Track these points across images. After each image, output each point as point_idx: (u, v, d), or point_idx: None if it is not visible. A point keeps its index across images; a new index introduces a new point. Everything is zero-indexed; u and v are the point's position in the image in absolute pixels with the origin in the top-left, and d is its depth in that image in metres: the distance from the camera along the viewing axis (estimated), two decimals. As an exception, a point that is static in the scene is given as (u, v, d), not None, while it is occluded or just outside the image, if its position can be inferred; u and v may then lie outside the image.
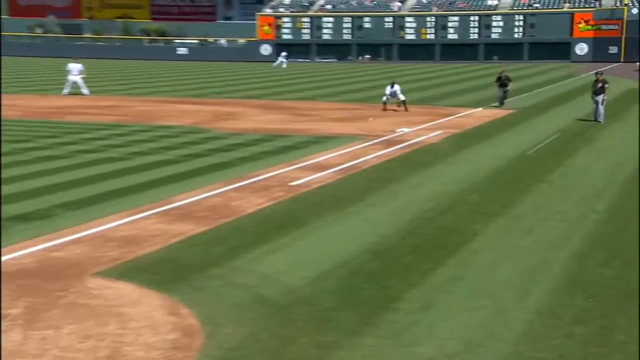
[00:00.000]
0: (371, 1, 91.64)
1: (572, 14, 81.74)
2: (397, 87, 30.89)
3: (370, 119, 28.00)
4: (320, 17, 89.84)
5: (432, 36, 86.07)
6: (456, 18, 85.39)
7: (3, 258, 10.04)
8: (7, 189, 14.44)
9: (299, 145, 21.39)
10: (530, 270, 9.89)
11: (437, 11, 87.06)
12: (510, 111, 30.86)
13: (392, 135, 23.48)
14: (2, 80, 40.56)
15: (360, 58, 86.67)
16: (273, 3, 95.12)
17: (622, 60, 75.07)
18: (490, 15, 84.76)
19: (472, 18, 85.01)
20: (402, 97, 30.78)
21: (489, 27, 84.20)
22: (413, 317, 8.25)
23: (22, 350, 7.24)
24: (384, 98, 30.98)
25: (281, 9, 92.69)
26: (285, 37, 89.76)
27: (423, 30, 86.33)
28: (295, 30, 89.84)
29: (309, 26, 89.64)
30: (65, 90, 38.35)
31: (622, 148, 21.17)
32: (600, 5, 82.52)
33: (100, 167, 17.49)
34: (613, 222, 12.67)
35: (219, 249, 10.85)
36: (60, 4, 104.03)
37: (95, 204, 13.48)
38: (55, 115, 29.13)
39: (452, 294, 9.01)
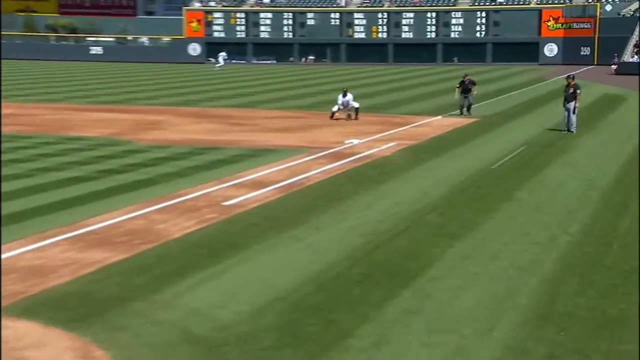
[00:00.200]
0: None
1: (540, 11, 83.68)
2: (350, 96, 31.13)
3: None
4: (257, 12, 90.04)
5: (384, 35, 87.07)
6: (411, 15, 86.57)
7: None
8: None
9: (234, 159, 21.32)
10: (496, 301, 10.00)
11: (389, 7, 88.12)
12: (473, 120, 31.32)
13: (339, 148, 23.59)
14: None
15: (303, 59, 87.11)
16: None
17: (595, 62, 76.96)
18: (449, 12, 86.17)
19: (429, 15, 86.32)
20: (355, 105, 31.02)
21: (447, 25, 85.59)
22: (365, 355, 8.25)
23: None
24: (335, 108, 31.10)
25: (212, 3, 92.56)
26: (217, 35, 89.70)
27: (374, 28, 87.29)
28: (229, 27, 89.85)
29: (244, 23, 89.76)
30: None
31: (597, 162, 21.66)
32: (570, 1, 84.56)
33: (-1, 185, 17.13)
34: (587, 244, 12.91)
35: (141, 280, 10.72)
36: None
37: (-7, 229, 13.19)
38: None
39: (409, 328, 9.05)
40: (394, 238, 13.19)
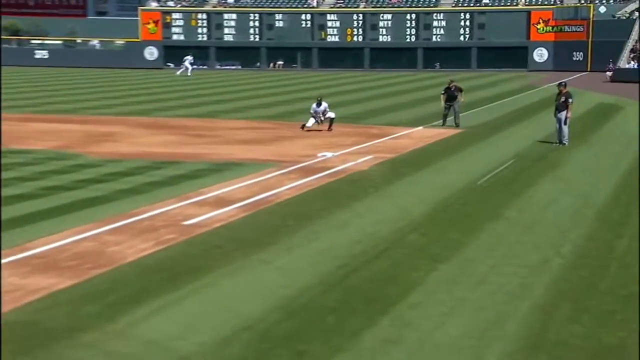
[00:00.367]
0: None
1: (528, 13, 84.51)
2: (324, 105, 31.15)
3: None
4: (220, 13, 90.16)
5: (360, 38, 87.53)
6: (389, 16, 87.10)
7: None
8: None
9: (195, 175, 21.27)
10: (483, 328, 10.04)
11: (365, 7, 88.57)
12: (457, 131, 31.50)
13: (311, 161, 23.61)
14: None
15: (271, 65, 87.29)
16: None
17: (588, 68, 77.80)
18: (430, 14, 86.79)
19: (408, 16, 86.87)
20: (332, 115, 31.05)
21: (428, 27, 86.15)
22: (340, 390, 8.25)
23: None
24: (311, 121, 30.89)
25: (170, 3, 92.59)
26: (176, 37, 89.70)
27: (349, 31, 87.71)
28: (189, 29, 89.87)
29: (205, 24, 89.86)
30: None
31: (591, 176, 21.86)
32: (561, 2, 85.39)
33: None
34: (582, 267, 13.00)
35: (92, 308, 10.64)
36: None
37: None
38: None
39: (388, 359, 9.04)
40: (372, 260, 13.19)
